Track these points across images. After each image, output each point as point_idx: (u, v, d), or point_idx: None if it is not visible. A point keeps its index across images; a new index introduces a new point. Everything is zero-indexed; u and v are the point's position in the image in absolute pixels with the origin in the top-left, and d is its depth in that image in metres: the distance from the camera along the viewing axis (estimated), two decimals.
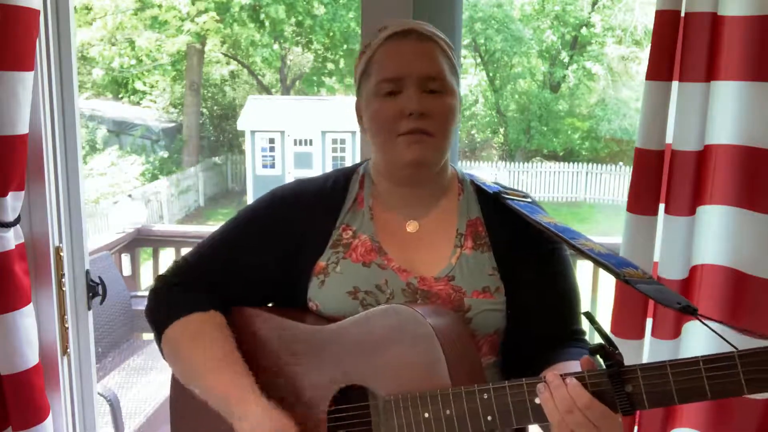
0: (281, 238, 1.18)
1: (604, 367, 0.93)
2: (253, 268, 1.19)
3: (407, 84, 1.10)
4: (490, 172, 14.53)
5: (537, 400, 0.95)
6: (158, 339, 1.20)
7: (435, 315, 1.05)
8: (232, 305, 1.20)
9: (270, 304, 1.25)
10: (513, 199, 1.19)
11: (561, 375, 0.95)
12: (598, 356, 0.94)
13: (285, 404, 1.11)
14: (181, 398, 1.23)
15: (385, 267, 1.15)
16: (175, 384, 1.23)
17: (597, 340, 0.96)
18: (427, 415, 1.00)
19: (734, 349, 0.86)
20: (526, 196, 1.22)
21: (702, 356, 0.88)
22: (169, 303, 1.19)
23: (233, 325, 1.18)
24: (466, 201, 1.21)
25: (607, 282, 2.07)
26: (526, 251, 1.18)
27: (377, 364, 1.06)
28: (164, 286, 1.21)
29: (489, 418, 0.98)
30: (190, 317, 1.16)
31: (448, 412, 0.99)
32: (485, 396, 0.98)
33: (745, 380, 0.85)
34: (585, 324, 1.17)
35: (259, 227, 1.20)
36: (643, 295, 1.50)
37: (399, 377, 1.03)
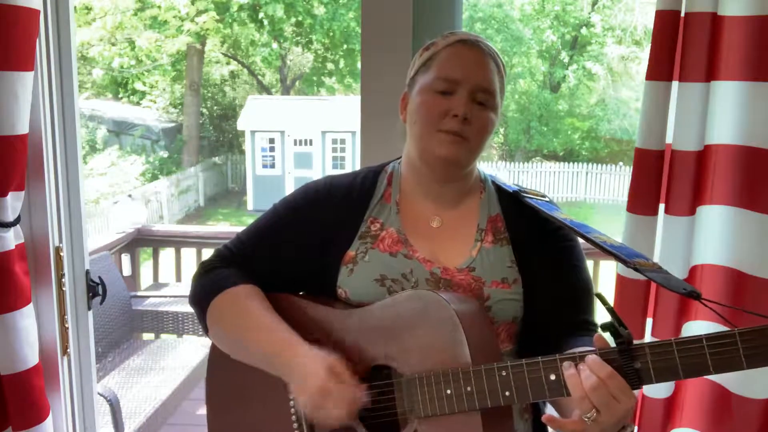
0: (313, 229, 1.26)
1: (615, 344, 1.00)
2: (286, 256, 1.27)
3: (461, 88, 1.18)
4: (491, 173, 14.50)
5: (552, 377, 1.02)
6: (203, 318, 1.26)
7: (457, 301, 1.12)
8: (267, 291, 1.27)
9: (301, 293, 1.32)
10: (531, 198, 1.26)
11: (575, 353, 1.02)
12: (608, 334, 1.01)
13: None
14: (217, 376, 1.32)
15: (411, 257, 1.22)
16: (212, 361, 1.32)
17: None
18: (449, 391, 1.07)
19: (735, 329, 0.93)
20: (543, 195, 1.30)
21: (705, 334, 0.94)
22: (210, 281, 1.26)
23: None
24: (487, 199, 1.29)
25: (608, 284, 2.07)
26: (543, 245, 1.25)
27: (403, 345, 1.13)
28: (206, 269, 1.29)
29: (507, 393, 1.04)
30: (232, 289, 1.24)
31: (468, 388, 1.06)
32: (504, 373, 1.05)
33: (744, 356, 0.92)
34: (595, 316, 1.26)
35: (293, 219, 1.28)
36: (642, 296, 1.51)
37: (423, 358, 1.10)
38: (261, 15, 14.24)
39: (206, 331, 1.28)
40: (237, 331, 1.23)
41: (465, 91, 1.18)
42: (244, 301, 1.23)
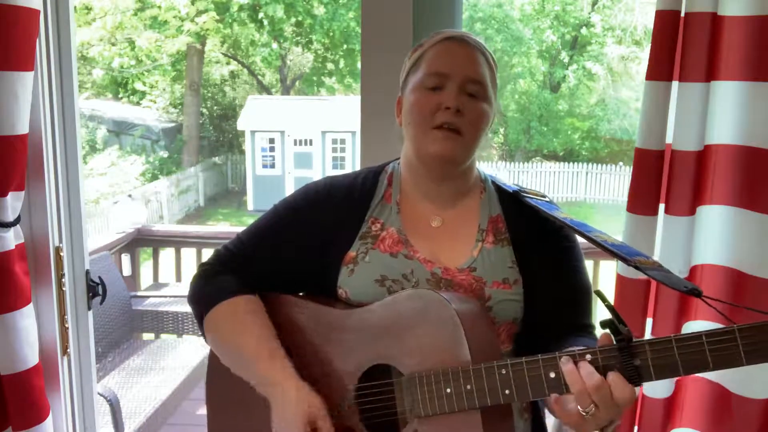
0: (313, 230, 1.26)
1: (615, 341, 1.00)
2: (287, 257, 1.27)
3: (450, 82, 1.19)
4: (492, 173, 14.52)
5: (552, 374, 1.02)
6: (200, 323, 1.27)
7: (458, 301, 1.12)
8: (267, 291, 1.28)
9: (301, 293, 1.32)
10: (531, 198, 1.26)
11: (575, 351, 1.01)
12: (608, 331, 1.01)
13: (317, 383, 1.18)
14: (217, 376, 1.31)
15: (412, 257, 1.22)
16: (212, 363, 1.32)
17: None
18: (449, 390, 1.07)
19: (734, 325, 0.94)
20: (543, 195, 1.30)
21: (704, 331, 0.95)
22: (210, 288, 1.26)
23: (269, 310, 1.26)
24: (487, 199, 1.28)
25: (608, 283, 2.06)
26: (543, 245, 1.25)
27: (403, 344, 1.12)
28: (206, 273, 1.29)
29: (507, 391, 1.04)
30: (231, 300, 1.23)
31: (468, 386, 1.06)
32: (503, 371, 1.05)
33: (744, 352, 0.93)
34: (593, 318, 1.25)
35: (294, 220, 1.28)
36: (642, 295, 1.51)
37: (423, 357, 1.10)
38: (261, 15, 14.24)
39: (203, 333, 1.29)
40: (231, 348, 1.24)
41: (455, 84, 1.18)
42: (240, 315, 1.22)
